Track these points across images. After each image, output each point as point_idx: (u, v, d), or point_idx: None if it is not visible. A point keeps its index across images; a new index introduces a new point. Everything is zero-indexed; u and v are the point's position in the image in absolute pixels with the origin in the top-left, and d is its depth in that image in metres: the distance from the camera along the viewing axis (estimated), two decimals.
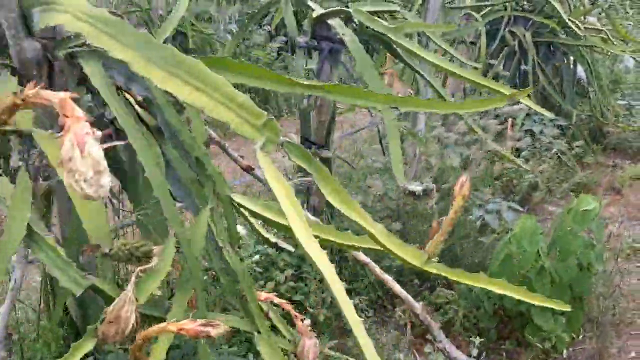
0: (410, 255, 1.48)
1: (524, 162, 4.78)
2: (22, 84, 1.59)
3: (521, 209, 4.01)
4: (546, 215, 5.21)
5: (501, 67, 6.33)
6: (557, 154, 5.85)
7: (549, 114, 2.42)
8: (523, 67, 6.31)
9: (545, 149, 5.81)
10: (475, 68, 6.31)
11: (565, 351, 3.03)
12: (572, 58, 6.39)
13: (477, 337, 2.64)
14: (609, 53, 6.93)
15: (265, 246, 3.02)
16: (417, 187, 2.82)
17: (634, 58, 6.43)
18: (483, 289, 3.16)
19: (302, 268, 3.18)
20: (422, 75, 3.41)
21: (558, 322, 2.94)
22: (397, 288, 2.41)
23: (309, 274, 3.17)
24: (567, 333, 2.98)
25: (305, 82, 1.72)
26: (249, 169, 2.30)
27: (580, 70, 6.61)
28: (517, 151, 5.81)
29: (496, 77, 6.42)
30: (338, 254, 3.35)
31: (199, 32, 8.76)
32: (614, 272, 3.53)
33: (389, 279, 2.41)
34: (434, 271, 1.48)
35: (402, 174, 2.89)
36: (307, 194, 3.52)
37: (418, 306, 2.41)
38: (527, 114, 6.20)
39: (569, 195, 5.55)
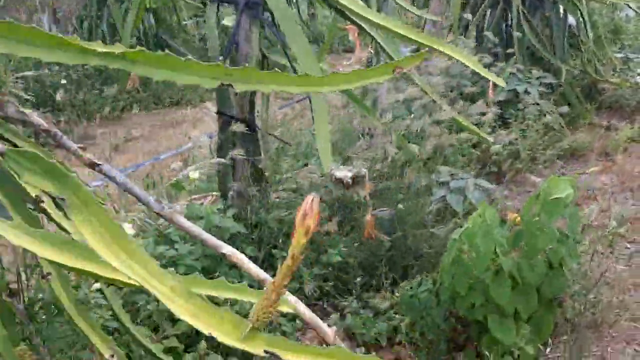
0: (223, 327, 0.94)
1: (492, 129, 4.20)
2: None
3: (490, 186, 3.46)
4: (528, 187, 4.65)
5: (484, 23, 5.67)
6: (543, 114, 5.25)
7: (495, 78, 1.85)
8: (517, 34, 5.63)
9: (531, 111, 5.17)
10: (450, 27, 5.67)
11: None
12: (562, 7, 5.70)
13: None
14: (607, 1, 6.24)
15: (167, 247, 2.50)
16: (346, 173, 2.27)
17: (629, 5, 5.73)
18: (430, 292, 2.66)
19: (219, 270, 2.66)
20: (364, 29, 2.82)
21: (521, 333, 2.42)
22: (302, 309, 1.89)
23: (231, 276, 2.65)
24: (534, 344, 2.47)
25: (100, 50, 1.15)
26: (93, 165, 1.74)
27: (572, 19, 5.94)
28: (500, 117, 5.21)
29: (480, 38, 5.78)
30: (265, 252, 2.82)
31: None
32: (597, 257, 3.00)
33: (292, 298, 1.88)
34: (259, 352, 0.94)
35: (329, 157, 2.33)
36: (232, 177, 2.98)
37: (330, 333, 1.89)
38: (511, 73, 5.58)
39: (555, 163, 4.98)
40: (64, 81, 7.18)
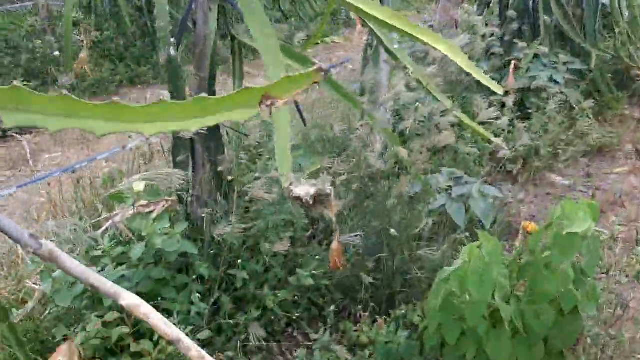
0: None
1: (510, 121, 3.68)
2: None
3: (499, 194, 2.97)
4: (547, 189, 4.13)
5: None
6: (569, 106, 4.68)
7: (493, 85, 1.36)
8: (544, 19, 5.01)
9: (558, 102, 4.54)
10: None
11: None
12: None
13: None
14: None
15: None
16: (307, 190, 1.81)
17: None
18: (410, 339, 2.20)
19: (162, 294, 2.24)
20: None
21: None
22: None
23: (174, 301, 2.25)
24: None
25: None
26: None
27: None
28: (520, 107, 4.65)
29: (504, 15, 5.19)
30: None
31: None
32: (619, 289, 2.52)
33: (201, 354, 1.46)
34: None
35: (288, 166, 1.89)
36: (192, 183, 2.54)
37: None
38: (536, 55, 4.99)
39: (578, 162, 4.44)
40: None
